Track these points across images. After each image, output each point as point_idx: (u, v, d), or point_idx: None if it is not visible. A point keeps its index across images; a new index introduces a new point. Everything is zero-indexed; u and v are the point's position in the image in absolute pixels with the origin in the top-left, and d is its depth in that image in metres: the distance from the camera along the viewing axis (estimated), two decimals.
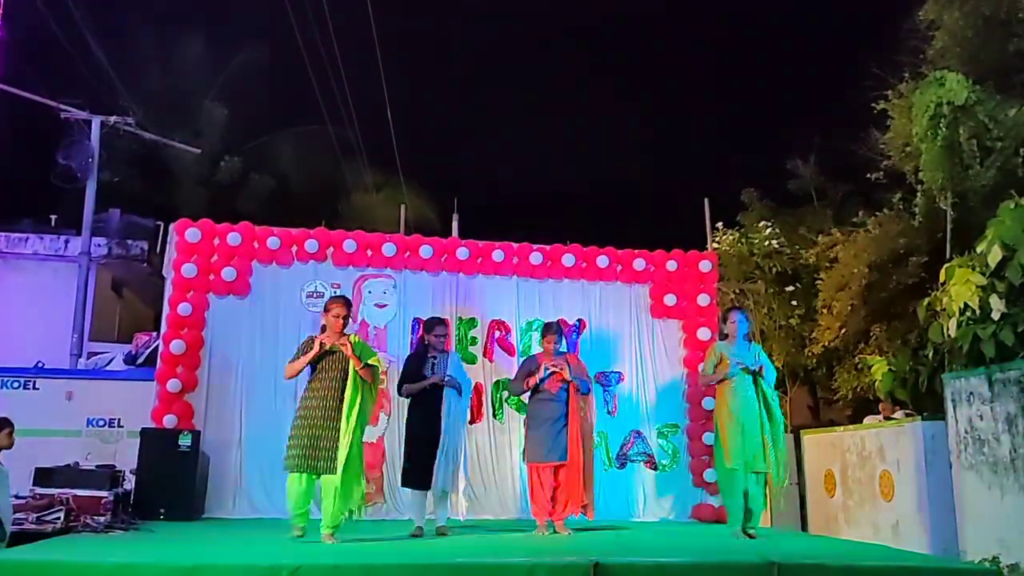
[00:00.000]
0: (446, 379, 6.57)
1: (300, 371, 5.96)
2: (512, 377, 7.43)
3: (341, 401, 5.81)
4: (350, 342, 5.90)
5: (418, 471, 6.46)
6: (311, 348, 5.91)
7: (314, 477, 5.81)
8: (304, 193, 18.72)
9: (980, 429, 7.12)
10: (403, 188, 18.34)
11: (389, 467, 8.01)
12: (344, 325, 6.03)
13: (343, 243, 8.52)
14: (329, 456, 5.72)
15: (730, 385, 6.52)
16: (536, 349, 8.51)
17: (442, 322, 6.92)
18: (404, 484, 6.72)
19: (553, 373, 6.75)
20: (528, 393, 6.96)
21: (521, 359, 8.50)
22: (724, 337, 6.93)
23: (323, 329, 6.07)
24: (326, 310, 6.08)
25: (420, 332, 7.04)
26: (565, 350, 7.10)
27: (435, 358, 6.68)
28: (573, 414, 6.74)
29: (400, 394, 6.86)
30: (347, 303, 6.17)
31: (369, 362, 5.94)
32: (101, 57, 15.02)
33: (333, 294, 8.20)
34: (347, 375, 5.86)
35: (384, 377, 8.17)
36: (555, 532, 6.58)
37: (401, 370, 6.95)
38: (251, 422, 8.03)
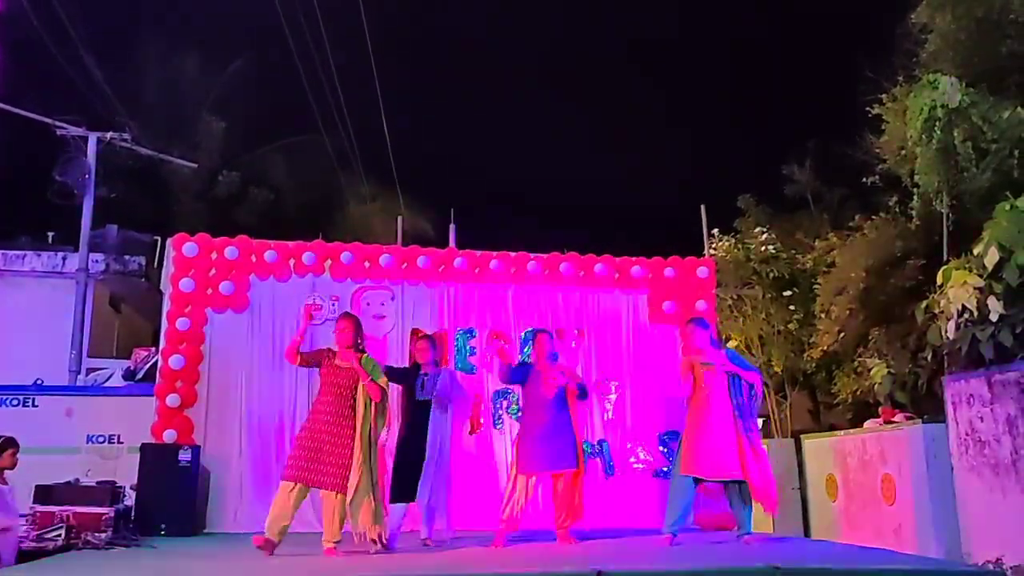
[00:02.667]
0: (433, 396, 6.54)
1: (294, 349, 5.98)
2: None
3: (347, 418, 5.85)
4: (360, 361, 5.97)
5: (401, 485, 6.44)
6: (324, 356, 6.02)
7: (307, 489, 5.80)
8: (302, 206, 18.76)
9: (981, 431, 7.12)
10: (400, 199, 18.38)
11: (387, 477, 7.98)
12: (350, 340, 6.05)
13: (341, 255, 8.52)
14: (332, 472, 5.73)
15: (702, 393, 6.48)
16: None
17: (424, 336, 6.97)
18: (391, 500, 6.62)
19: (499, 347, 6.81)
20: (520, 397, 7.01)
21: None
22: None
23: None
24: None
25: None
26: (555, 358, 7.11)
27: (427, 375, 6.66)
28: (576, 422, 6.72)
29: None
30: (353, 319, 6.23)
31: (378, 382, 5.96)
32: (97, 73, 15.05)
33: (332, 307, 8.25)
34: (356, 394, 5.91)
35: None
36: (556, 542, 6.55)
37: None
38: (251, 436, 8.01)
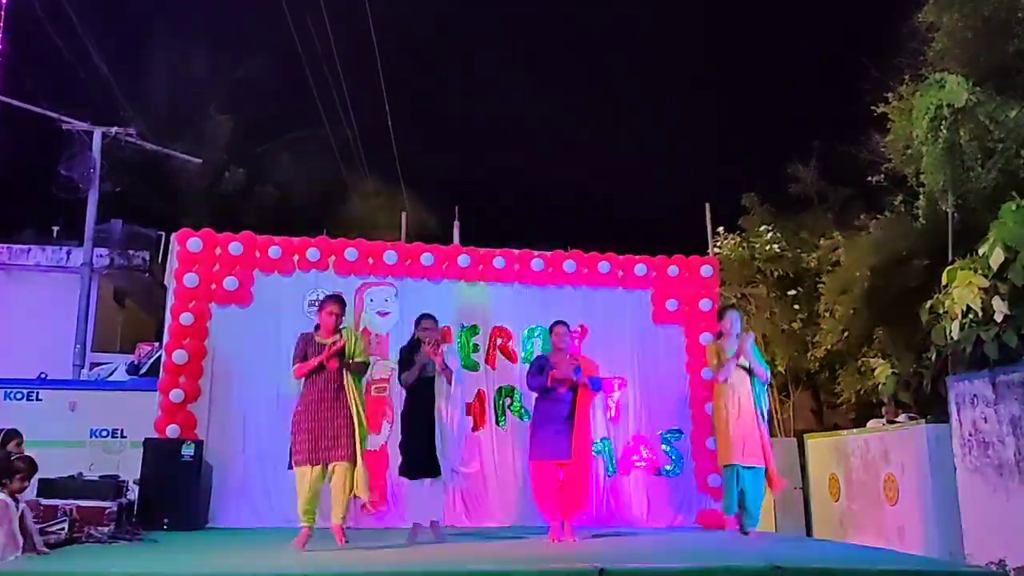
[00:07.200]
0: (443, 360, 6.59)
1: (309, 372, 6.03)
2: (528, 375, 7.47)
3: (338, 392, 5.96)
4: (344, 338, 6.07)
5: (417, 460, 6.51)
6: (310, 345, 6.06)
7: (322, 469, 5.87)
8: (306, 202, 18.77)
9: (984, 432, 7.10)
10: (404, 196, 18.38)
11: (392, 475, 8.00)
12: (338, 323, 6.17)
13: (344, 251, 8.52)
14: (337, 444, 5.83)
15: (727, 384, 6.84)
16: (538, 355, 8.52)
17: (429, 316, 6.94)
18: (402, 474, 6.75)
19: (564, 380, 6.79)
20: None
21: (523, 365, 8.51)
22: (719, 336, 7.16)
23: (317, 328, 6.21)
24: (320, 309, 6.27)
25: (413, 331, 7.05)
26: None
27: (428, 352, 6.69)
28: (580, 414, 6.77)
29: (400, 383, 6.86)
30: (342, 301, 6.33)
31: (358, 360, 6.12)
32: (103, 68, 15.07)
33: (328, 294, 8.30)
34: (343, 369, 6.02)
35: (387, 385, 8.22)
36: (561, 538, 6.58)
37: (397, 364, 7.00)
38: (254, 431, 8.01)
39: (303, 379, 6.08)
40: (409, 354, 6.79)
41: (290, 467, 6.10)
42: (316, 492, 5.91)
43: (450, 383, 6.71)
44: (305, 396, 6.03)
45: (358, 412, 5.97)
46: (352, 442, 5.87)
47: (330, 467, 5.87)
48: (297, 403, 6.11)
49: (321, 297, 8.30)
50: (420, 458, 6.52)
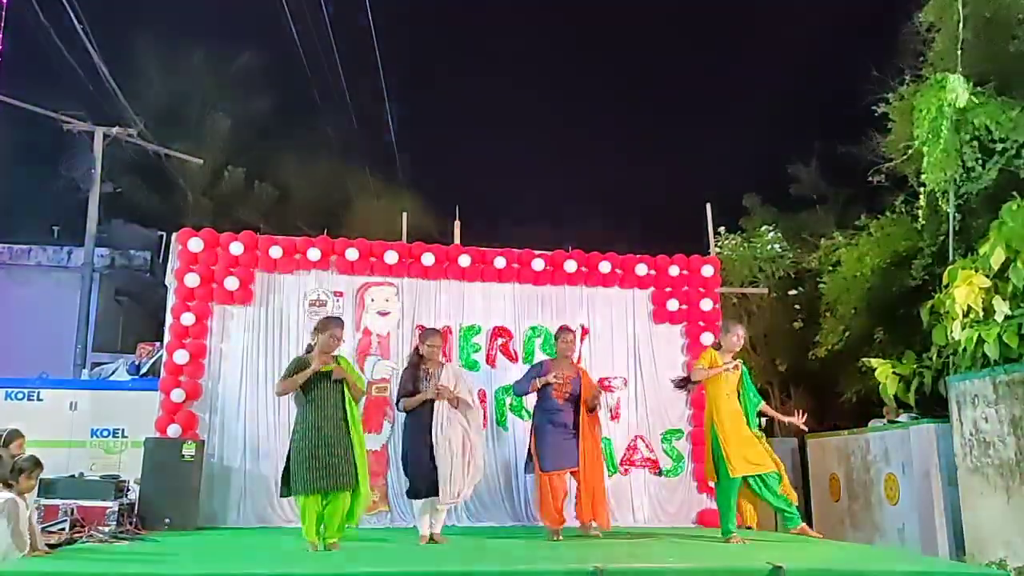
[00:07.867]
0: (439, 389, 6.37)
1: (294, 390, 5.88)
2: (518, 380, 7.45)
3: (344, 419, 5.84)
4: (343, 365, 5.98)
5: (422, 481, 6.34)
6: (304, 367, 5.85)
7: (323, 496, 5.74)
8: (307, 202, 18.79)
9: (985, 431, 7.10)
10: (405, 195, 18.38)
11: (393, 475, 8.01)
12: (336, 347, 6.06)
13: (345, 251, 8.53)
14: (345, 472, 5.70)
15: (724, 395, 6.62)
16: (538, 354, 8.53)
17: (436, 333, 6.75)
18: (411, 496, 6.53)
19: (558, 382, 6.78)
20: (534, 400, 7.03)
21: (523, 365, 8.51)
22: (718, 347, 6.98)
23: (309, 348, 6.04)
24: (321, 330, 6.00)
25: (415, 344, 6.90)
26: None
27: (429, 369, 6.58)
28: (584, 423, 6.79)
29: (399, 409, 6.71)
30: (343, 326, 6.21)
31: (359, 385, 6.08)
32: (103, 68, 15.07)
33: (336, 303, 8.26)
34: (344, 395, 5.90)
35: (387, 384, 8.23)
36: (594, 535, 6.71)
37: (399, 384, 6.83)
38: (255, 431, 8.03)
39: (302, 405, 5.89)
40: (411, 376, 6.50)
41: (283, 495, 5.97)
42: (320, 515, 5.76)
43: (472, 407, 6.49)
44: (312, 421, 5.77)
45: (359, 439, 5.84)
46: (354, 469, 5.73)
47: (331, 494, 5.73)
48: (299, 426, 5.86)
49: (322, 297, 8.36)
50: (418, 479, 6.32)
